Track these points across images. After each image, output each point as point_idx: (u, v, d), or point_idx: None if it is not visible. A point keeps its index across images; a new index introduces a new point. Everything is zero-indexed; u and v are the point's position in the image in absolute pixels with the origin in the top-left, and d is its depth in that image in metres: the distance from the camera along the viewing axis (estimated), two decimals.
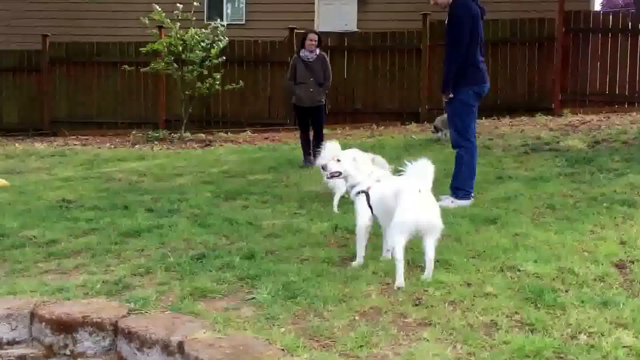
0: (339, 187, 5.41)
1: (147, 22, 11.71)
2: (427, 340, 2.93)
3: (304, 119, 8.60)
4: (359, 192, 4.11)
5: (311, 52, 8.45)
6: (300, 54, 8.51)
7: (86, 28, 16.32)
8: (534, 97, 12.17)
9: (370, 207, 4.02)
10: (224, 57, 11.89)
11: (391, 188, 3.91)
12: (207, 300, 3.57)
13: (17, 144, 12.09)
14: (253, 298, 3.55)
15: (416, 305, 3.33)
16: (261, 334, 3.06)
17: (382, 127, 11.84)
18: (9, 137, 13.01)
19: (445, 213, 4.94)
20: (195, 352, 2.88)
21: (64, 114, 13.97)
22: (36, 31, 14.52)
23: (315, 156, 8.49)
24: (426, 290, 3.49)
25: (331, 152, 5.13)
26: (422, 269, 3.75)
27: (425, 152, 8.68)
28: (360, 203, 4.08)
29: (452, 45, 5.55)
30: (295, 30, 12.66)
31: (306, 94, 8.40)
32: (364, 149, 9.36)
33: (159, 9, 11.73)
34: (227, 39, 12.03)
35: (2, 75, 14.22)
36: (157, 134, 12.12)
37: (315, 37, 8.55)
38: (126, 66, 12.37)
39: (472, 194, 5.60)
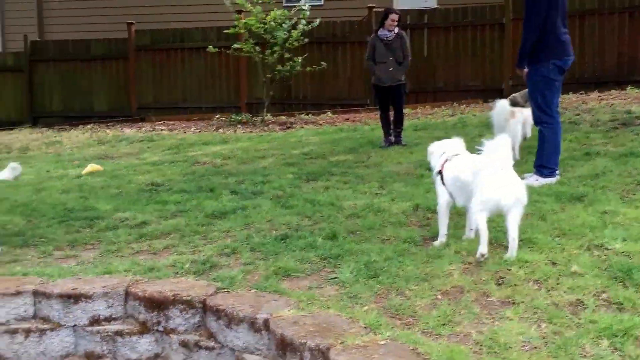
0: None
1: (229, 4, 11.88)
2: (511, 319, 2.88)
3: (384, 99, 8.53)
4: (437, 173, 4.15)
5: (390, 30, 8.35)
6: (379, 33, 8.42)
7: (169, 15, 16.75)
8: (624, 69, 11.54)
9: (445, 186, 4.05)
10: (306, 40, 11.87)
11: (467, 166, 3.90)
12: (290, 280, 3.65)
13: (107, 130, 12.64)
14: (335, 277, 3.59)
15: (499, 284, 3.28)
16: (344, 312, 3.10)
17: (464, 105, 11.58)
18: (100, 124, 13.61)
19: (529, 191, 4.83)
20: (281, 329, 2.94)
21: (150, 100, 14.45)
22: (122, 20, 15.03)
23: (396, 136, 8.46)
24: (509, 269, 3.42)
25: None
26: (506, 248, 3.67)
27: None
28: (438, 183, 4.14)
29: (528, 17, 5.29)
30: (374, 9, 12.53)
31: (386, 73, 8.33)
32: (446, 127, 9.31)
33: None
34: (317, 20, 11.95)
35: (92, 64, 14.83)
36: (239, 118, 12.35)
37: (397, 16, 8.43)
38: (210, 47, 12.56)
39: (558, 172, 5.39)
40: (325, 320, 3.01)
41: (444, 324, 2.88)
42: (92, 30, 16.12)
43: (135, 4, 16.94)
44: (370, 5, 12.83)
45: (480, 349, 2.62)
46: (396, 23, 8.37)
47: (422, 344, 2.67)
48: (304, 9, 11.87)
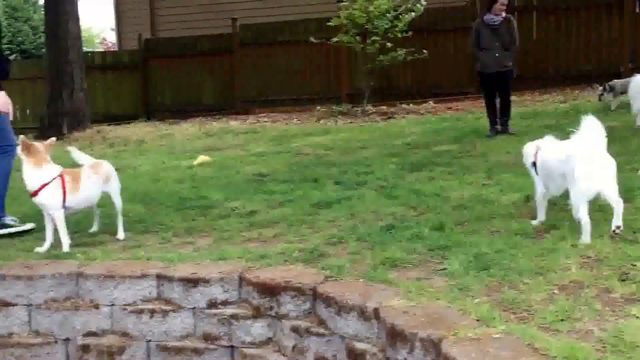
0: None
1: None
2: (637, 317, 2.74)
3: (489, 86, 8.32)
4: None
5: (497, 15, 8.12)
6: (485, 17, 8.21)
7: (272, 8, 17.10)
8: None
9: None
10: (410, 32, 11.72)
11: (556, 153, 3.91)
12: (398, 270, 3.65)
13: (214, 123, 13.11)
14: (444, 269, 3.57)
15: (623, 280, 3.12)
16: (454, 304, 3.07)
17: (577, 91, 11.09)
18: (207, 117, 14.15)
19: None
20: (391, 319, 2.97)
21: (253, 92, 14.85)
22: (227, 15, 15.51)
23: (502, 125, 8.23)
24: (634, 265, 3.25)
25: None
26: (631, 241, 3.51)
27: (625, 116, 8.02)
28: (533, 174, 4.27)
29: None
30: None
31: (492, 59, 8.11)
32: (557, 115, 8.95)
33: None
34: (420, 8, 11.79)
35: (199, 59, 15.42)
36: (340, 108, 12.45)
37: (506, 0, 8.18)
38: (311, 38, 12.72)
39: None
40: (436, 311, 3.00)
41: (562, 320, 2.78)
42: (200, 27, 16.74)
43: None
44: None
45: (603, 347, 2.52)
46: (505, 7, 8.13)
47: (539, 339, 2.60)
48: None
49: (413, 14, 11.61)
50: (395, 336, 2.92)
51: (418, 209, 4.91)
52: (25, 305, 3.97)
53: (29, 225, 5.04)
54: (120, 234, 4.78)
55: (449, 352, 2.60)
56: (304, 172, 6.81)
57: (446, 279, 3.44)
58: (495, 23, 8.12)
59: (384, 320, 3.01)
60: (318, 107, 12.98)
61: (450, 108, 11.48)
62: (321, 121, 11.76)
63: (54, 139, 4.86)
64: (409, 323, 2.90)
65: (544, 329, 2.75)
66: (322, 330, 3.39)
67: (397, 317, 2.97)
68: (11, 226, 5.02)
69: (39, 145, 4.59)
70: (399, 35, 11.57)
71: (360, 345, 3.19)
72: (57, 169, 4.54)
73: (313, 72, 14.21)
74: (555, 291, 3.11)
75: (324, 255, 4.03)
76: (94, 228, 4.96)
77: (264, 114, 13.74)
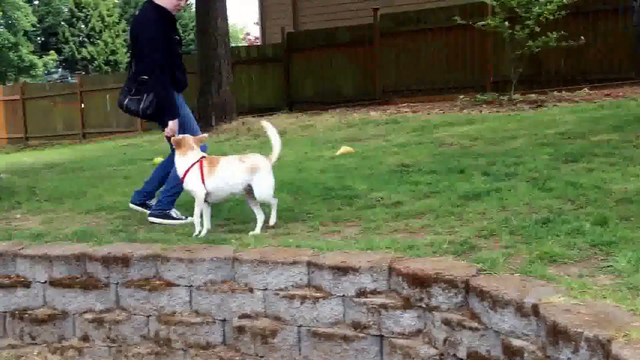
0: None
1: None
2: None
3: None
4: None
5: None
6: None
7: None
8: None
9: None
10: (563, 12, 11.08)
11: None
12: (556, 266, 3.46)
13: (354, 114, 13.20)
14: (609, 266, 3.33)
15: None
16: (624, 304, 2.85)
17: None
18: (348, 107, 14.27)
19: None
20: (552, 316, 2.82)
21: (393, 82, 14.77)
22: (367, 5, 15.53)
23: None
24: None
25: None
26: None
27: None
28: None
29: None
30: None
31: None
32: None
33: None
34: None
35: (339, 50, 15.58)
36: (484, 97, 12.03)
37: None
38: (456, 17, 12.35)
39: None
40: (602, 310, 2.81)
41: None
42: (341, 18, 16.93)
43: None
44: None
45: None
46: None
47: None
48: None
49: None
50: (557, 335, 2.76)
51: (576, 202, 4.62)
52: (186, 286, 4.22)
53: (190, 219, 5.26)
54: (272, 220, 4.88)
55: (620, 354, 2.43)
56: (449, 163, 6.66)
57: (612, 276, 3.21)
58: None
59: (545, 318, 2.87)
60: (461, 96, 12.64)
61: (609, 95, 10.69)
62: (464, 111, 11.45)
63: (206, 135, 5.17)
64: (572, 321, 2.73)
65: None
66: (475, 325, 3.29)
67: (559, 315, 2.81)
68: (175, 219, 5.35)
69: (189, 137, 4.87)
70: (551, 17, 10.93)
71: (517, 342, 3.06)
72: (198, 155, 4.78)
73: (456, 60, 13.85)
74: None
75: (475, 248, 3.91)
76: (271, 221, 4.89)
77: (404, 104, 13.62)
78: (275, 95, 16.52)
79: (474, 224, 4.46)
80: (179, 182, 4.98)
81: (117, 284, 4.36)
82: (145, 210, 5.51)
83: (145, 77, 5.11)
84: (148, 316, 4.29)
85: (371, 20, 14.83)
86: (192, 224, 4.95)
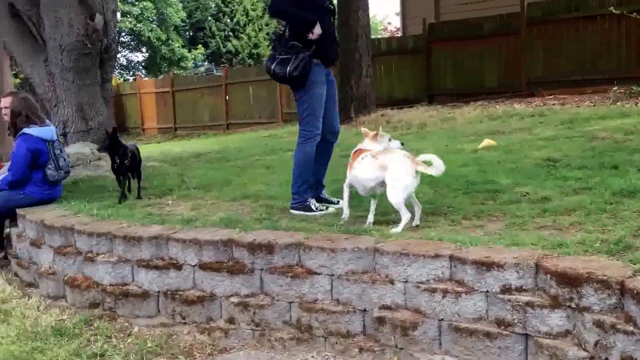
0: None
1: None
2: None
3: None
4: None
5: None
6: None
7: None
8: None
9: None
10: None
11: None
12: None
13: (497, 106, 12.82)
14: None
15: None
16: None
17: None
18: (490, 100, 13.88)
19: None
20: None
21: (539, 73, 14.16)
22: None
23: None
24: None
25: None
26: None
27: None
28: None
29: None
30: None
31: None
32: None
33: None
34: None
35: (482, 41, 15.18)
36: None
37: None
38: (612, 8, 11.66)
39: None
40: None
41: None
42: (484, 7, 16.46)
43: None
44: None
45: None
46: None
47: None
48: None
49: None
50: None
51: None
52: (328, 275, 4.30)
53: (331, 209, 5.40)
54: (416, 221, 4.74)
55: None
56: (601, 158, 6.30)
57: None
58: None
59: None
60: (614, 88, 11.86)
61: None
62: (618, 103, 10.74)
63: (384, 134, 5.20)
64: None
65: None
66: (630, 328, 3.12)
67: None
68: (314, 211, 5.38)
69: (366, 130, 5.24)
70: None
71: None
72: (362, 146, 5.02)
73: (609, 49, 13.03)
74: None
75: (631, 248, 3.68)
76: (415, 222, 4.74)
77: (551, 96, 13.02)
78: (415, 87, 16.43)
79: (630, 222, 4.20)
80: (301, 168, 5.26)
81: (261, 269, 4.53)
82: (330, 205, 5.55)
83: (295, 42, 5.24)
84: (290, 302, 4.42)
85: (517, 9, 14.29)
86: (334, 214, 5.08)
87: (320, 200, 5.64)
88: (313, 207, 5.44)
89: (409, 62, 16.52)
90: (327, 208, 5.45)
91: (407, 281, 4.02)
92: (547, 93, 13.34)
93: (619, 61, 12.95)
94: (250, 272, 4.57)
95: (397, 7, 22.34)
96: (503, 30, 14.73)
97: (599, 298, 3.28)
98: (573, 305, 3.38)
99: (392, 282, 4.08)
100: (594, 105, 10.97)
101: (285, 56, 5.28)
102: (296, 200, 5.49)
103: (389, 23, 40.40)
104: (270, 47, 5.79)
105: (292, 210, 5.50)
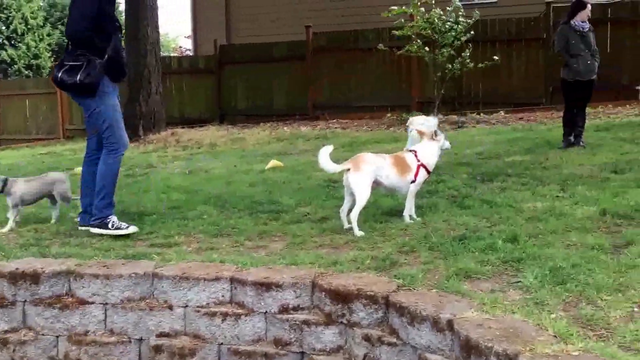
0: None
1: (391, 14, 12.07)
2: None
3: (575, 95, 8.03)
4: None
5: (584, 22, 7.94)
6: (574, 23, 7.97)
7: (345, 17, 17.24)
8: None
9: None
10: (472, 32, 11.73)
11: None
12: (471, 281, 3.62)
13: (285, 128, 13.28)
14: (519, 282, 3.51)
15: None
16: (530, 319, 3.02)
17: None
18: (279, 122, 14.34)
19: None
20: (465, 331, 2.94)
21: (324, 99, 14.97)
22: (301, 22, 15.72)
23: (576, 136, 7.97)
24: None
25: None
26: None
27: None
28: None
29: None
30: (553, 4, 12.00)
31: (585, 66, 7.88)
32: (632, 127, 8.63)
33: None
34: (477, 14, 11.82)
35: (273, 65, 15.66)
36: (410, 116, 12.39)
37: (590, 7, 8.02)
38: (381, 45, 12.78)
39: None
40: (511, 325, 2.96)
41: None
42: (274, 33, 17.07)
43: (313, 7, 17.65)
44: (548, 0, 12.29)
45: None
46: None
47: (619, 359, 2.53)
48: (457, 4, 11.76)
49: (465, 21, 11.61)
50: (470, 349, 2.89)
51: (491, 220, 4.84)
52: (101, 304, 4.07)
53: (132, 229, 5.09)
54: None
55: None
56: None
57: (521, 292, 3.38)
58: (585, 29, 7.93)
59: (458, 333, 2.99)
60: (388, 115, 12.96)
61: (522, 118, 11.26)
62: (391, 129, 11.74)
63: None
64: (483, 336, 2.87)
65: (626, 348, 2.67)
66: (394, 340, 3.39)
67: (472, 330, 2.94)
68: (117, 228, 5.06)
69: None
70: (464, 38, 11.55)
71: (432, 357, 3.17)
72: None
73: (384, 80, 14.21)
74: (636, 309, 3.01)
75: (396, 264, 4.02)
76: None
77: (334, 120, 13.83)
78: (207, 107, 16.42)
79: (396, 239, 4.59)
80: (104, 181, 4.99)
81: (24, 301, 4.15)
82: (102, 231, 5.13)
83: (84, 50, 4.92)
84: (58, 336, 4.10)
85: (304, 37, 15.01)
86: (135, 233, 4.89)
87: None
88: (110, 225, 5.07)
89: (201, 82, 16.50)
90: (127, 227, 5.09)
91: (187, 306, 3.96)
92: (331, 117, 14.16)
93: (392, 90, 14.18)
94: (11, 305, 4.15)
95: (189, 29, 22.24)
96: (292, 56, 15.37)
97: (367, 313, 3.52)
98: (345, 321, 3.58)
99: (171, 307, 3.99)
100: (371, 130, 11.87)
101: (74, 63, 4.93)
102: (95, 216, 5.10)
103: (180, 46, 39.99)
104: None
105: (90, 229, 5.11)
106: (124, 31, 10.35)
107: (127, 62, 5.46)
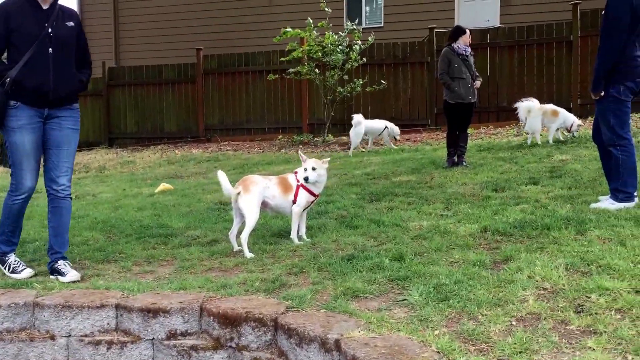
0: None
1: (282, 38, 12.26)
2: (593, 349, 2.81)
3: (457, 117, 8.42)
4: None
5: (465, 45, 8.37)
6: (456, 47, 8.35)
7: (235, 40, 17.27)
8: None
9: None
10: (364, 59, 12.12)
11: None
12: (359, 300, 3.67)
13: (176, 151, 13.05)
14: (404, 299, 3.60)
15: (578, 312, 3.19)
16: (415, 336, 3.10)
17: None
18: (170, 144, 14.07)
19: (605, 215, 4.73)
20: (352, 350, 2.98)
21: (216, 121, 14.87)
22: (191, 46, 15.60)
23: (459, 156, 8.40)
24: (589, 297, 3.33)
25: None
26: (584, 273, 3.60)
27: (577, 149, 8.28)
28: None
29: (606, 40, 5.08)
30: (435, 30, 12.62)
31: (466, 89, 8.28)
32: (511, 148, 9.20)
33: (310, 20, 12.20)
34: (372, 38, 12.23)
35: (163, 87, 15.41)
36: (301, 138, 12.57)
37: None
38: (271, 75, 12.96)
39: (636, 195, 5.24)
40: (397, 342, 3.03)
41: (520, 352, 2.84)
42: (164, 56, 16.82)
43: (203, 30, 17.56)
44: (432, 26, 12.91)
45: None
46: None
47: None
48: (355, 29, 12.15)
49: (359, 45, 12.02)
50: None
51: (378, 239, 4.96)
52: None
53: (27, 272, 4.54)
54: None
55: None
56: None
57: (406, 309, 3.47)
58: (467, 53, 8.34)
59: (345, 353, 3.02)
60: (280, 137, 13.07)
61: (408, 139, 11.69)
62: (282, 150, 11.83)
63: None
64: (370, 355, 2.91)
65: None
66: None
67: (358, 349, 2.98)
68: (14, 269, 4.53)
69: None
70: (355, 64, 11.88)
71: None
72: None
73: (275, 102, 14.33)
74: (513, 322, 3.17)
75: (286, 285, 4.03)
76: None
77: (226, 142, 13.75)
78: (95, 130, 15.85)
79: (286, 260, 4.60)
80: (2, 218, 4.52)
81: None
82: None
83: None
84: None
85: (194, 60, 14.88)
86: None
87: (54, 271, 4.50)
88: (7, 266, 4.54)
89: (89, 105, 15.89)
90: (23, 270, 4.52)
91: (70, 335, 3.78)
92: (223, 139, 14.07)
93: (283, 112, 14.32)
94: None
95: None
96: (182, 78, 15.18)
97: (256, 336, 3.49)
98: (233, 345, 3.54)
99: (53, 337, 3.79)
100: (262, 152, 11.90)
101: None
102: None
103: None
104: None
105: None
106: None
107: (77, 78, 4.92)
